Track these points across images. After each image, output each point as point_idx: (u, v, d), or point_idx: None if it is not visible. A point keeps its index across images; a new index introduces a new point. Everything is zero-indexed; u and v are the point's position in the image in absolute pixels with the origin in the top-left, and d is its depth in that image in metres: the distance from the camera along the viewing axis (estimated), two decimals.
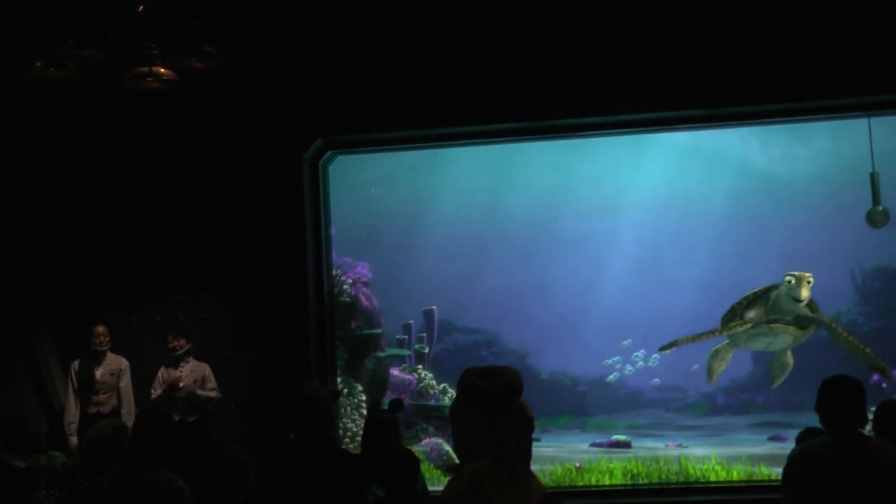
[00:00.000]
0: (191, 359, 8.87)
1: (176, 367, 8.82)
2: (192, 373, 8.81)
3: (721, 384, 12.06)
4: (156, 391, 8.80)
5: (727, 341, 10.66)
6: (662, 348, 10.65)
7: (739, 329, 10.17)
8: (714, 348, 10.82)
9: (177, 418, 8.48)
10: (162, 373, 8.85)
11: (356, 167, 11.20)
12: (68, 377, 8.96)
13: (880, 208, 9.77)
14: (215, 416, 8.86)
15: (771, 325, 10.14)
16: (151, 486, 4.61)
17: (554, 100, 8.97)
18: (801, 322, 10.15)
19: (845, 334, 10.00)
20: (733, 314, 10.38)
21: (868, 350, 9.84)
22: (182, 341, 8.84)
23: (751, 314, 10.22)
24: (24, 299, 9.41)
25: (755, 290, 10.33)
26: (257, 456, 5.34)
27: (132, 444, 4.85)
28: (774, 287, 10.19)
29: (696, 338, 10.31)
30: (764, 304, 10.18)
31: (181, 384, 8.73)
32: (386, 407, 8.05)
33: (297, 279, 9.21)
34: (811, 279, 9.88)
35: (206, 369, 8.87)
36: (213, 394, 8.80)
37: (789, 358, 10.63)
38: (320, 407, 5.03)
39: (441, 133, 9.59)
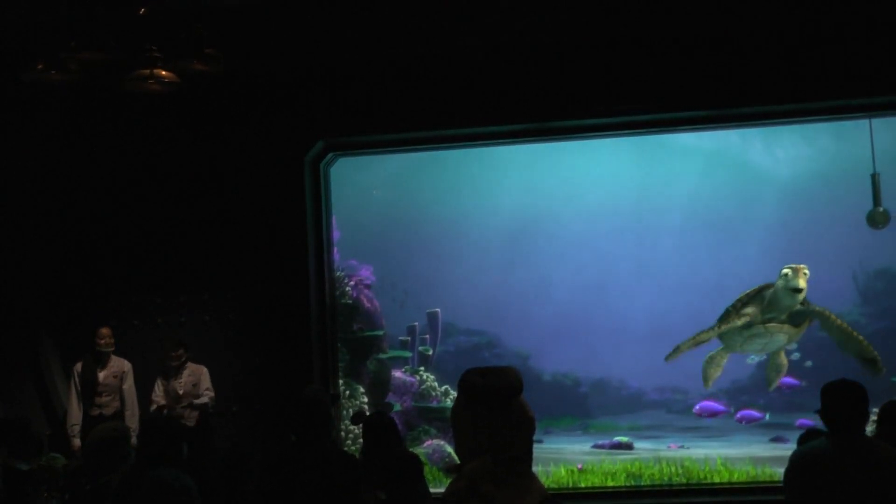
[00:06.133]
0: (188, 364, 8.88)
1: (175, 375, 8.83)
2: (189, 378, 8.83)
3: (723, 386, 12.04)
4: (156, 399, 8.82)
5: (722, 347, 10.64)
6: (668, 357, 10.58)
7: (738, 323, 10.13)
8: (709, 354, 10.79)
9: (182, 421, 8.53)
10: (160, 383, 8.86)
11: (358, 169, 11.20)
12: (71, 379, 8.97)
13: (881, 209, 9.78)
14: (214, 415, 8.88)
15: (767, 325, 10.15)
16: (160, 485, 4.65)
17: (556, 101, 8.97)
18: (795, 320, 10.16)
19: (838, 322, 10.01)
20: (727, 317, 10.40)
21: (861, 338, 9.83)
22: (180, 351, 8.85)
23: (746, 315, 10.22)
24: (26, 301, 9.42)
25: (748, 292, 10.34)
26: (259, 458, 5.35)
27: (140, 445, 4.89)
28: (767, 287, 10.21)
29: (695, 339, 10.28)
30: (759, 303, 10.18)
31: (181, 391, 8.75)
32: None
33: (298, 281, 9.22)
34: (807, 271, 9.91)
35: (201, 371, 8.87)
36: (205, 399, 8.80)
37: (783, 359, 10.69)
38: (321, 409, 5.02)
39: (442, 134, 9.59)
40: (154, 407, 8.81)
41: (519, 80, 8.94)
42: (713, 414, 11.50)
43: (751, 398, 12.05)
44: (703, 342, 10.43)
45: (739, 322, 10.12)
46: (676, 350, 10.29)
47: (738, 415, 11.59)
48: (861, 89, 8.72)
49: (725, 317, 10.39)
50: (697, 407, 11.55)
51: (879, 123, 9.72)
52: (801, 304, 10.11)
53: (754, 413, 11.49)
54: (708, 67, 8.73)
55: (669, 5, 8.42)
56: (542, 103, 8.99)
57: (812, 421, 10.59)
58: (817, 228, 11.93)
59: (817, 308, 10.11)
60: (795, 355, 11.29)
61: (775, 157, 12.62)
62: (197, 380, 8.82)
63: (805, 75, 8.64)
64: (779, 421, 11.58)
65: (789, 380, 11.28)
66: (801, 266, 9.92)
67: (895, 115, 9.56)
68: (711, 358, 10.78)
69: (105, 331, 8.95)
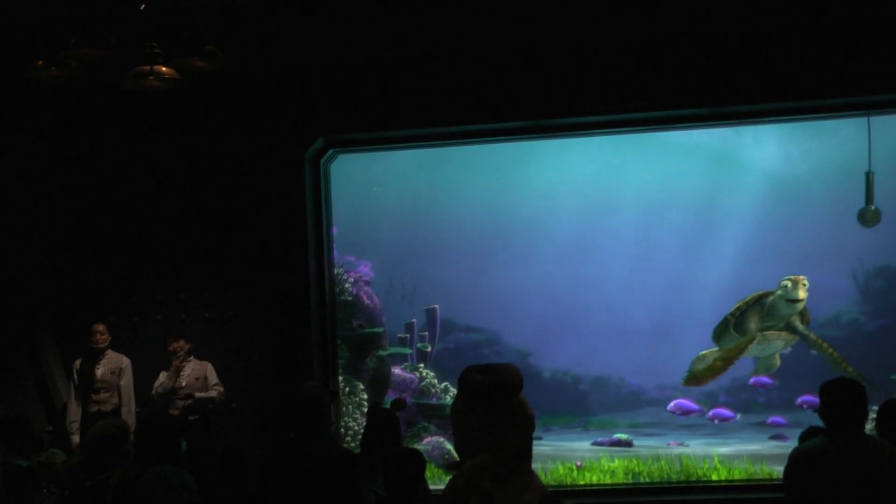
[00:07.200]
0: (191, 359, 8.87)
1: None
2: (192, 372, 8.81)
3: (722, 384, 12.07)
4: (157, 389, 8.80)
5: (717, 349, 10.70)
6: (686, 382, 10.68)
7: (748, 348, 10.25)
8: (699, 353, 10.86)
9: (176, 413, 8.51)
10: (163, 376, 8.84)
11: (358, 166, 11.20)
12: (70, 376, 8.97)
13: (872, 207, 9.85)
14: (217, 413, 8.88)
15: (765, 332, 10.23)
16: (160, 481, 4.66)
17: (556, 98, 8.96)
18: (791, 328, 10.29)
19: (831, 350, 10.08)
20: (725, 325, 10.47)
21: (851, 369, 9.86)
22: (181, 342, 8.83)
23: (746, 324, 10.29)
24: (26, 299, 9.42)
25: (745, 300, 10.40)
26: (258, 455, 5.36)
27: (138, 442, 4.89)
28: (766, 294, 10.29)
29: (712, 370, 10.38)
30: (758, 312, 10.25)
31: (184, 383, 8.74)
32: (387, 406, 8.05)
33: (298, 278, 9.22)
34: (806, 281, 9.96)
35: (206, 368, 8.86)
36: (214, 393, 8.78)
37: (776, 360, 10.81)
38: (319, 406, 5.04)
39: (442, 132, 9.59)
40: (153, 392, 8.78)
41: (519, 77, 8.93)
42: (686, 412, 11.53)
43: (751, 396, 12.08)
44: (725, 368, 10.53)
45: (749, 347, 10.23)
46: (693, 377, 10.39)
47: (710, 413, 11.62)
48: (861, 88, 8.71)
49: (723, 325, 10.47)
50: (671, 405, 11.57)
51: (877, 122, 9.74)
52: (803, 316, 10.21)
53: (726, 412, 11.52)
54: (706, 66, 8.72)
55: (669, 5, 8.42)
56: (542, 100, 8.99)
57: (783, 419, 10.73)
58: (816, 227, 11.94)
59: (812, 336, 10.23)
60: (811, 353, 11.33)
61: (776, 154, 12.63)
62: (201, 375, 8.80)
63: (803, 73, 8.64)
64: (766, 420, 11.63)
65: (764, 378, 11.33)
66: (801, 277, 10.00)
67: (893, 113, 9.57)
68: (702, 357, 10.84)
69: (99, 327, 8.91)
